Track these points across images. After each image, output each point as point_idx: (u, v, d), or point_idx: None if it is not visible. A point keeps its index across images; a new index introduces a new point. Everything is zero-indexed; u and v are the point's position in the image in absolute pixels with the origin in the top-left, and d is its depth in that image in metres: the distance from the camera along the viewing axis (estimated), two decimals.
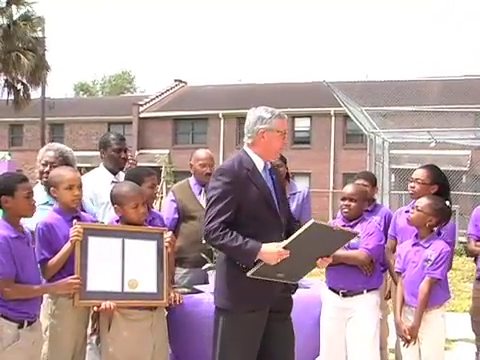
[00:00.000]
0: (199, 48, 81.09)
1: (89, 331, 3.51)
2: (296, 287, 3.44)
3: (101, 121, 30.09)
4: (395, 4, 77.38)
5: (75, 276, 3.24)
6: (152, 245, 3.48)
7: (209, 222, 3.13)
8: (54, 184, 3.51)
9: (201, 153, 4.68)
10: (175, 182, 13.99)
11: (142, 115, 29.33)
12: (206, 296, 3.89)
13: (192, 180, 4.70)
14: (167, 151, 27.79)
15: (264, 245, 3.07)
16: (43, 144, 22.63)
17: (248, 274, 3.08)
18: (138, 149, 28.41)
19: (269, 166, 3.38)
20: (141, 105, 29.62)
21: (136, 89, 52.60)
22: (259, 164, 3.31)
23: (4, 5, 21.79)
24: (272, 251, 3.05)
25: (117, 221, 3.57)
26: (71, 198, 3.47)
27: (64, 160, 3.94)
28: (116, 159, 4.47)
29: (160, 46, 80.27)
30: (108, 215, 4.00)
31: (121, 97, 41.60)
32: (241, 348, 3.17)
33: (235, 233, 3.08)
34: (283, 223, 3.32)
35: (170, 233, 3.57)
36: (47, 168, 3.90)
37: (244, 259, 3.12)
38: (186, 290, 3.98)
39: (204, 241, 3.24)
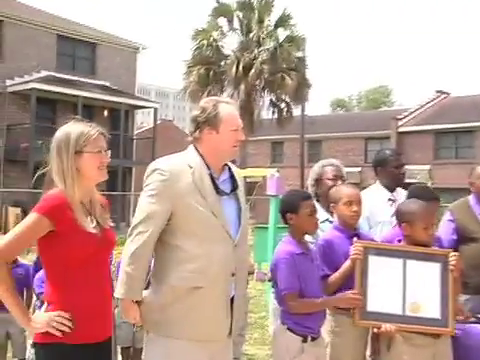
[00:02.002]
0: (463, 57, 76.90)
1: (368, 351, 3.45)
2: None
3: (358, 137, 30.29)
4: None
5: (356, 291, 3.22)
6: (436, 267, 3.30)
7: None
8: (334, 200, 3.57)
9: None
10: None
11: (401, 129, 28.75)
12: None
13: (472, 199, 4.40)
14: (428, 167, 26.79)
15: None
16: (302, 161, 23.73)
17: None
18: None
19: None
20: (400, 119, 29.06)
21: (393, 103, 51.96)
22: None
23: (272, 28, 23.36)
24: None
25: (399, 240, 3.46)
26: (349, 214, 3.48)
27: (342, 175, 4.08)
28: (396, 175, 4.39)
29: (419, 57, 78.29)
30: (384, 234, 3.90)
31: (378, 111, 41.42)
32: None
33: None
34: None
35: (456, 254, 3.35)
36: (332, 183, 3.98)
37: None
38: (472, 319, 3.69)
39: None
